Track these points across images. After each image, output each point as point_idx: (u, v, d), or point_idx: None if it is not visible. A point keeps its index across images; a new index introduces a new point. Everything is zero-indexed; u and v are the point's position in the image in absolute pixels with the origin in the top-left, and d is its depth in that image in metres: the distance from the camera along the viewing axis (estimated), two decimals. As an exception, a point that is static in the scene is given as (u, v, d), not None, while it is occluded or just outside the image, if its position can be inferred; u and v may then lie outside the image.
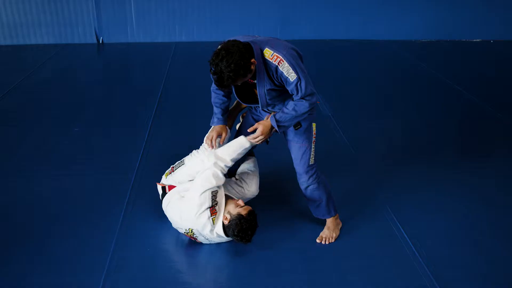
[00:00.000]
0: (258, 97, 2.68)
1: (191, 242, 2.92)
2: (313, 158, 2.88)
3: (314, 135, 2.87)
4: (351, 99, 5.58)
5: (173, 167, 3.07)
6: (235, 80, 2.43)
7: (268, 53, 2.52)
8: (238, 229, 2.64)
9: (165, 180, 3.06)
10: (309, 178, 2.88)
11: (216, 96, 2.91)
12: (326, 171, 3.82)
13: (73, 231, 3.06)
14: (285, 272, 2.72)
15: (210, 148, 2.91)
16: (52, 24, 8.08)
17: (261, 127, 2.68)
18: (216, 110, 2.94)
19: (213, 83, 2.78)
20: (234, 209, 2.72)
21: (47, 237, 2.99)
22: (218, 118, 2.95)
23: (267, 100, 2.70)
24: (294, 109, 2.60)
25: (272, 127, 2.67)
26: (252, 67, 2.48)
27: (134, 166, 3.87)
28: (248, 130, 2.73)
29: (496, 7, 8.52)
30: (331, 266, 2.78)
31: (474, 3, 8.47)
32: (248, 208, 2.75)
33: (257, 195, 3.14)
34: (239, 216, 2.67)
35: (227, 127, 3.00)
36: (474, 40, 8.73)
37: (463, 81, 6.21)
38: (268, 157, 3.68)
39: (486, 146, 4.38)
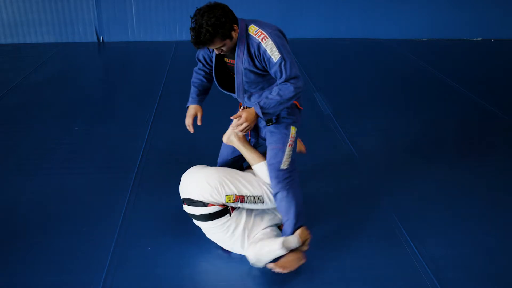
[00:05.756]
0: (235, 77, 2.52)
1: (191, 241, 2.92)
2: (287, 163, 2.62)
3: (291, 139, 2.63)
4: (351, 98, 5.57)
5: (243, 196, 2.64)
6: (213, 36, 2.28)
7: (253, 29, 2.40)
8: None
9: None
10: (277, 184, 2.62)
11: (196, 75, 2.79)
12: (326, 170, 3.85)
13: (73, 230, 3.06)
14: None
15: (192, 130, 2.72)
16: (53, 23, 8.08)
17: (245, 114, 2.45)
18: (192, 89, 2.79)
19: (197, 66, 2.75)
20: None
21: (48, 235, 2.99)
22: (192, 98, 2.78)
23: (244, 84, 2.53)
24: (278, 94, 2.41)
25: (256, 115, 2.46)
26: (234, 34, 2.35)
27: (135, 165, 3.87)
28: (232, 118, 2.51)
29: (497, 6, 8.52)
30: (331, 265, 2.78)
31: (475, 2, 8.47)
32: None
33: None
34: None
35: (201, 106, 2.78)
36: (475, 39, 8.72)
37: (464, 80, 6.20)
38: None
39: (487, 145, 4.37)
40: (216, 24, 2.26)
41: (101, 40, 8.24)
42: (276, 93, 2.41)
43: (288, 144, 2.62)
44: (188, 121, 2.72)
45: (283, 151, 2.61)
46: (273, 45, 2.35)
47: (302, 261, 2.67)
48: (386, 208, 3.35)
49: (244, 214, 2.70)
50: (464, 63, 7.25)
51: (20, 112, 5.03)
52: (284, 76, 2.39)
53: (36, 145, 4.24)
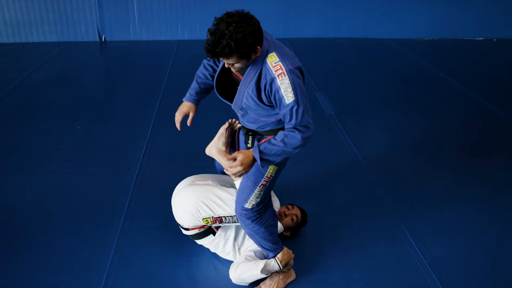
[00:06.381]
0: (237, 91, 2.25)
1: (193, 240, 2.92)
2: (253, 203, 2.38)
3: (266, 178, 2.34)
4: (353, 98, 5.56)
5: (220, 218, 2.59)
6: (231, 52, 1.97)
7: (272, 58, 2.08)
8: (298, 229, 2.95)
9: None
10: (240, 221, 2.47)
11: (202, 69, 2.51)
12: (328, 170, 3.84)
13: (75, 229, 3.06)
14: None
15: (180, 128, 2.59)
16: (55, 22, 8.08)
17: (241, 157, 2.16)
18: (193, 84, 2.53)
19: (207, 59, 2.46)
20: (290, 222, 2.88)
21: (49, 234, 3.00)
22: (190, 94, 2.54)
23: (242, 103, 2.25)
24: (283, 141, 2.12)
25: (254, 159, 2.18)
26: (253, 56, 2.07)
27: (137, 164, 3.87)
28: (227, 159, 2.31)
29: (499, 5, 8.50)
30: (332, 264, 2.78)
31: (477, 1, 8.45)
32: (298, 210, 2.95)
33: None
34: (300, 224, 2.94)
35: (196, 106, 2.60)
36: (477, 39, 8.70)
37: (466, 80, 6.19)
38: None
39: (489, 145, 4.37)
40: (241, 42, 1.95)
41: (103, 40, 8.24)
42: (281, 140, 2.13)
43: (260, 184, 2.34)
44: (178, 118, 2.53)
45: (251, 190, 2.36)
46: (289, 85, 2.05)
47: (291, 279, 2.65)
48: (387, 208, 3.34)
49: (232, 230, 2.72)
50: (466, 63, 7.24)
51: (21, 111, 5.04)
52: (293, 122, 2.10)
53: (37, 145, 4.24)
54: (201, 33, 8.21)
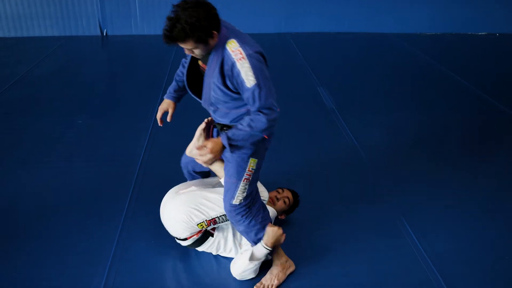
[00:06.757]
0: (203, 87, 2.31)
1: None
2: (240, 198, 2.41)
3: (249, 172, 2.38)
4: (355, 93, 5.55)
5: (213, 219, 2.61)
6: (186, 36, 2.02)
7: (232, 44, 2.12)
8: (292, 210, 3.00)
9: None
10: (230, 218, 2.50)
11: (181, 68, 2.58)
12: (329, 164, 3.84)
13: (77, 223, 3.06)
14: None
15: (161, 124, 2.69)
16: (56, 16, 8.07)
17: (210, 144, 2.22)
18: (173, 83, 2.64)
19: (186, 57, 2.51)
20: (283, 205, 2.93)
21: (51, 228, 3.00)
22: (168, 92, 2.66)
23: (211, 97, 2.28)
24: (249, 125, 2.15)
25: (223, 146, 2.23)
26: (211, 41, 2.09)
27: (138, 158, 3.87)
28: (196, 148, 2.30)
29: (502, 0, 8.46)
30: (334, 259, 2.77)
31: (480, -4, 8.43)
32: (289, 192, 2.99)
33: None
34: (293, 206, 3.00)
35: (175, 103, 2.71)
36: (480, 33, 8.67)
37: (469, 75, 6.17)
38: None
39: (493, 142, 4.35)
40: (195, 26, 2.00)
41: (104, 34, 8.23)
42: (247, 124, 2.17)
43: (244, 178, 2.38)
44: (158, 115, 2.66)
45: (236, 186, 2.39)
46: (249, 69, 2.08)
47: (290, 269, 2.64)
48: (389, 203, 3.34)
49: (229, 227, 2.72)
50: (468, 58, 7.21)
51: (23, 105, 5.04)
52: (257, 105, 2.13)
53: (39, 139, 4.24)
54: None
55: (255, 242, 2.54)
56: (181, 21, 2.00)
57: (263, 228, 2.51)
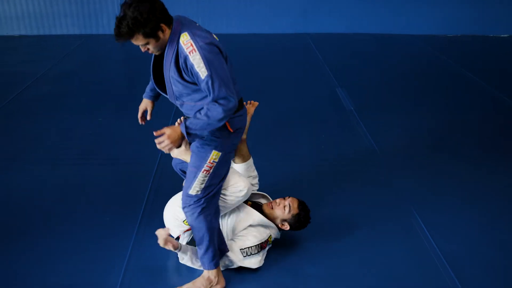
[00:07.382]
0: (165, 82, 2.32)
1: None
2: (197, 189, 2.38)
3: (209, 164, 2.37)
4: (373, 94, 5.52)
5: None
6: (132, 31, 2.07)
7: (184, 37, 2.15)
8: (299, 225, 2.76)
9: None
10: (184, 208, 2.45)
11: None
12: (347, 165, 3.83)
13: (95, 219, 3.11)
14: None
15: (142, 122, 2.79)
16: (77, 15, 8.19)
17: (168, 131, 2.22)
18: (150, 82, 2.63)
19: None
20: (282, 212, 2.73)
21: (70, 224, 3.05)
22: (146, 91, 2.74)
23: (174, 91, 2.32)
24: (206, 115, 2.18)
25: (182, 134, 2.23)
26: (161, 34, 2.13)
27: (157, 156, 3.90)
28: (155, 133, 2.28)
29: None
30: (348, 257, 2.78)
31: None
32: (295, 201, 2.76)
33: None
34: (296, 216, 2.74)
35: (153, 102, 2.81)
36: (502, 36, 8.55)
37: (490, 78, 6.09)
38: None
39: (510, 143, 4.30)
40: (139, 21, 2.04)
41: (124, 32, 8.31)
42: (204, 114, 2.19)
43: (203, 169, 2.37)
44: (138, 115, 2.78)
45: (195, 176, 2.38)
46: (201, 60, 2.11)
47: (218, 287, 2.54)
48: (405, 203, 3.32)
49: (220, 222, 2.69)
50: (490, 60, 7.12)
51: (44, 102, 5.11)
52: (211, 96, 2.17)
53: (59, 136, 4.30)
54: (219, 26, 8.19)
55: (206, 262, 2.49)
56: (127, 17, 2.05)
57: (211, 238, 2.44)
